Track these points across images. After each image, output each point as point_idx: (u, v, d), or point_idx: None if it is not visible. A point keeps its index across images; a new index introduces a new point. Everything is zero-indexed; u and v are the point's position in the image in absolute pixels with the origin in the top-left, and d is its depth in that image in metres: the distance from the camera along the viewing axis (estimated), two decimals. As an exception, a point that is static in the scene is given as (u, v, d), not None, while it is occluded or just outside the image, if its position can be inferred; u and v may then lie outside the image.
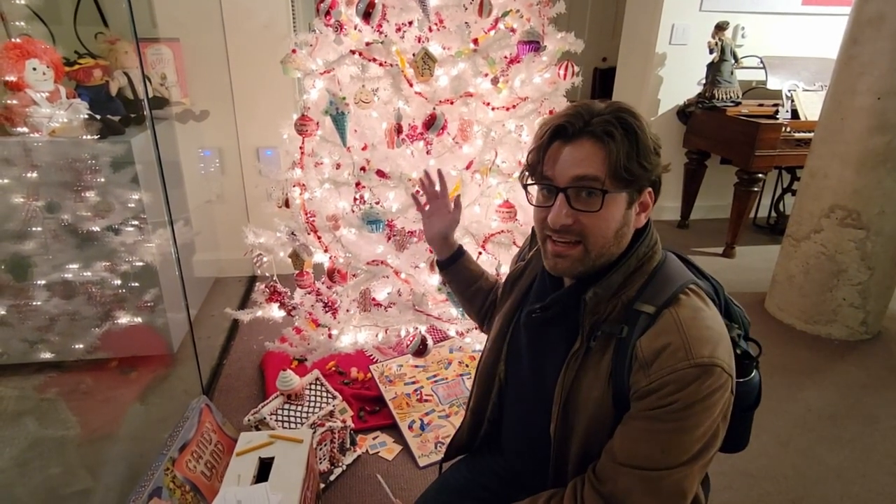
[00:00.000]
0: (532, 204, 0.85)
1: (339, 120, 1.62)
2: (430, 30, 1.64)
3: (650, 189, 0.81)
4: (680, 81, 3.61)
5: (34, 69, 1.81)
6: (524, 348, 0.95)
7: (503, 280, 1.12)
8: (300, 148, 1.79)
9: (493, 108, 1.69)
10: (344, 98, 1.62)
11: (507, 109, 1.70)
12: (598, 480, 0.78)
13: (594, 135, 0.75)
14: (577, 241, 0.79)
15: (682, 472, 0.74)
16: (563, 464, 0.86)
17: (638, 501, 0.74)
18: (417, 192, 1.25)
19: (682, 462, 0.73)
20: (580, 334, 0.82)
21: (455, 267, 1.21)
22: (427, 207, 1.21)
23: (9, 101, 1.78)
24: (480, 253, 1.72)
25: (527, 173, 0.84)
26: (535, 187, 0.83)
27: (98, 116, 1.93)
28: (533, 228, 1.06)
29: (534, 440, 0.92)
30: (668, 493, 0.74)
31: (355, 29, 1.72)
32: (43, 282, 1.91)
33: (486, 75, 1.67)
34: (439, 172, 1.20)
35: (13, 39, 1.82)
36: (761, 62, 3.34)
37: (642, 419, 0.75)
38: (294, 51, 1.78)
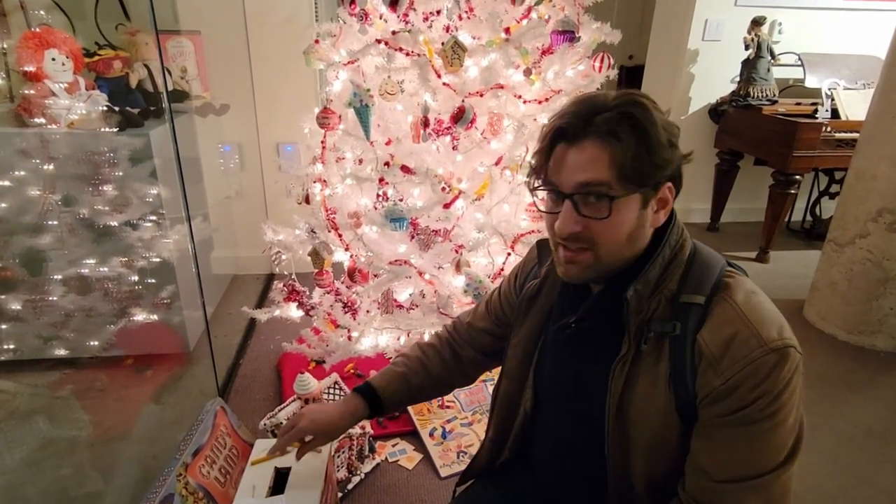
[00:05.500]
0: (540, 210, 0.79)
1: (362, 113, 1.56)
2: (460, 18, 1.56)
3: (669, 184, 0.75)
4: (713, 79, 3.48)
5: (53, 59, 1.78)
6: (556, 370, 0.88)
7: (496, 302, 1.04)
8: (322, 142, 1.73)
9: (524, 101, 1.60)
10: (368, 90, 1.55)
11: (540, 103, 1.61)
12: None
13: (598, 135, 0.69)
14: (586, 247, 0.73)
15: (787, 471, 0.68)
16: (626, 487, 0.78)
17: None
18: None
19: (785, 460, 0.68)
20: (626, 337, 0.75)
21: (386, 401, 1.04)
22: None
23: (27, 92, 1.75)
24: (509, 254, 1.64)
25: (533, 177, 0.79)
26: (544, 191, 0.78)
27: (117, 108, 1.89)
28: (537, 243, 0.99)
29: (582, 464, 0.84)
30: (779, 498, 0.69)
31: (380, 18, 1.65)
32: (59, 277, 1.88)
33: (518, 66, 1.58)
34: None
35: (33, 29, 1.79)
36: (799, 59, 3.20)
37: (729, 426, 0.68)
38: (317, 41, 1.71)
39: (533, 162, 0.78)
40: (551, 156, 0.74)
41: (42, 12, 1.89)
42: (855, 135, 2.76)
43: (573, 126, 0.70)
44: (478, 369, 1.11)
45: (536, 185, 0.78)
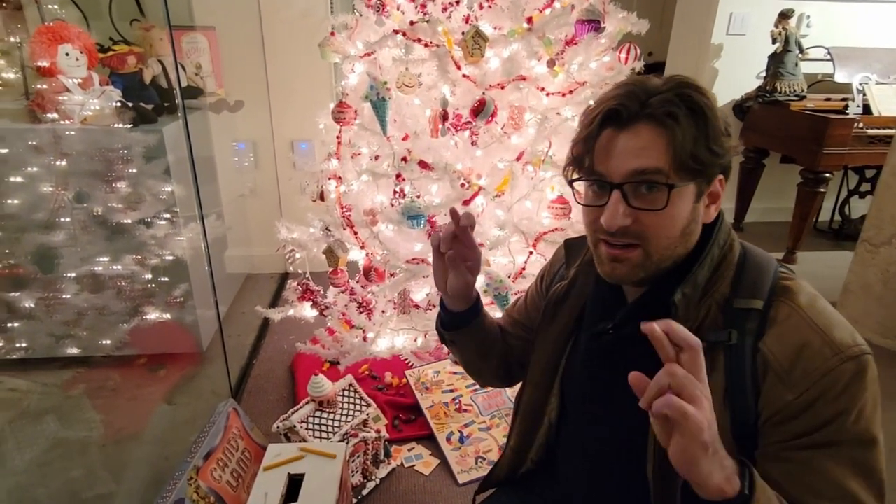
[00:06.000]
0: (580, 203, 0.72)
1: (379, 106, 1.51)
2: (481, 7, 1.50)
3: (721, 176, 0.69)
4: (737, 74, 3.37)
5: (67, 54, 1.76)
6: (589, 380, 0.81)
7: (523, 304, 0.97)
8: (337, 137, 1.69)
9: (547, 94, 1.54)
10: (385, 83, 1.50)
11: (564, 95, 1.54)
12: None
13: (654, 118, 0.64)
14: (634, 243, 0.67)
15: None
16: None
17: None
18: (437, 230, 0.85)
19: (881, 481, 0.60)
20: None
21: (479, 319, 0.91)
22: (450, 252, 0.80)
23: (40, 87, 1.73)
24: (531, 253, 1.58)
25: (572, 167, 0.72)
26: (584, 183, 0.71)
27: (130, 104, 1.86)
28: (564, 242, 0.91)
29: (617, 482, 0.77)
30: None
31: (398, 9, 1.60)
32: (71, 274, 1.86)
33: (541, 57, 1.52)
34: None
35: (47, 23, 1.77)
36: (828, 53, 3.09)
37: (810, 448, 0.61)
38: (333, 33, 1.67)
39: (573, 151, 0.71)
40: (597, 142, 0.67)
41: (56, 7, 1.87)
42: (888, 131, 2.66)
43: (627, 107, 0.64)
44: (511, 371, 1.01)
45: (577, 176, 0.71)
